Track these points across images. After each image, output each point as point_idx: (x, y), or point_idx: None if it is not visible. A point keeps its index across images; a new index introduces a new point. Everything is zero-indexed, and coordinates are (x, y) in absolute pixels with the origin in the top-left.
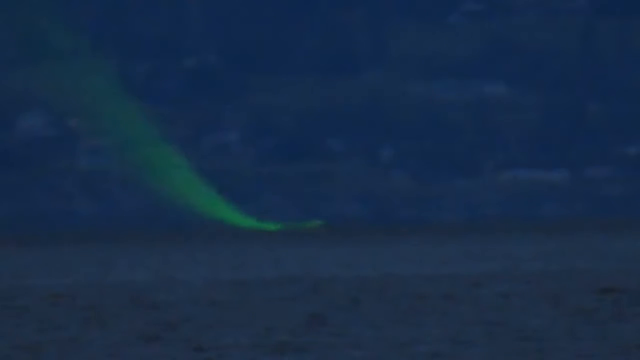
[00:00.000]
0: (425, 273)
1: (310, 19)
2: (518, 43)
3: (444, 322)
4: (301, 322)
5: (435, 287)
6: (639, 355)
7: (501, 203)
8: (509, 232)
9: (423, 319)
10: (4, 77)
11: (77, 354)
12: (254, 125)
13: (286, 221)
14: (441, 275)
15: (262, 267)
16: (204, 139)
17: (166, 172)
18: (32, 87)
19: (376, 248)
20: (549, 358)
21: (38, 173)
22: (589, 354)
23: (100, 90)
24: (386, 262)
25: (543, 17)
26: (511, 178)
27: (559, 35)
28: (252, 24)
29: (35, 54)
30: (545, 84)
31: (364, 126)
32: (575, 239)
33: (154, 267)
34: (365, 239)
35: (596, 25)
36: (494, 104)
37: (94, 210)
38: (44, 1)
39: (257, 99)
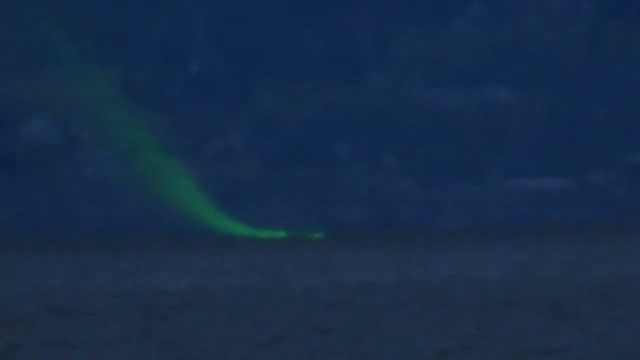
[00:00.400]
0: (426, 278)
1: (314, 24)
2: (523, 48)
3: (443, 326)
4: (299, 326)
5: (436, 293)
6: None
7: (505, 209)
8: (512, 238)
9: (422, 324)
10: (6, 82)
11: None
12: (257, 131)
13: (289, 228)
14: (442, 280)
15: (258, 274)
16: (208, 144)
17: (169, 179)
18: (35, 93)
19: (379, 253)
20: None
21: (41, 179)
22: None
23: (103, 97)
24: (386, 266)
25: (548, 22)
26: (516, 184)
27: (564, 40)
28: (255, 29)
29: (38, 59)
30: (550, 90)
31: (368, 131)
32: (579, 245)
33: (152, 273)
34: (368, 245)
35: (602, 31)
36: (498, 110)
37: (96, 216)
38: (47, 6)
39: (260, 104)
